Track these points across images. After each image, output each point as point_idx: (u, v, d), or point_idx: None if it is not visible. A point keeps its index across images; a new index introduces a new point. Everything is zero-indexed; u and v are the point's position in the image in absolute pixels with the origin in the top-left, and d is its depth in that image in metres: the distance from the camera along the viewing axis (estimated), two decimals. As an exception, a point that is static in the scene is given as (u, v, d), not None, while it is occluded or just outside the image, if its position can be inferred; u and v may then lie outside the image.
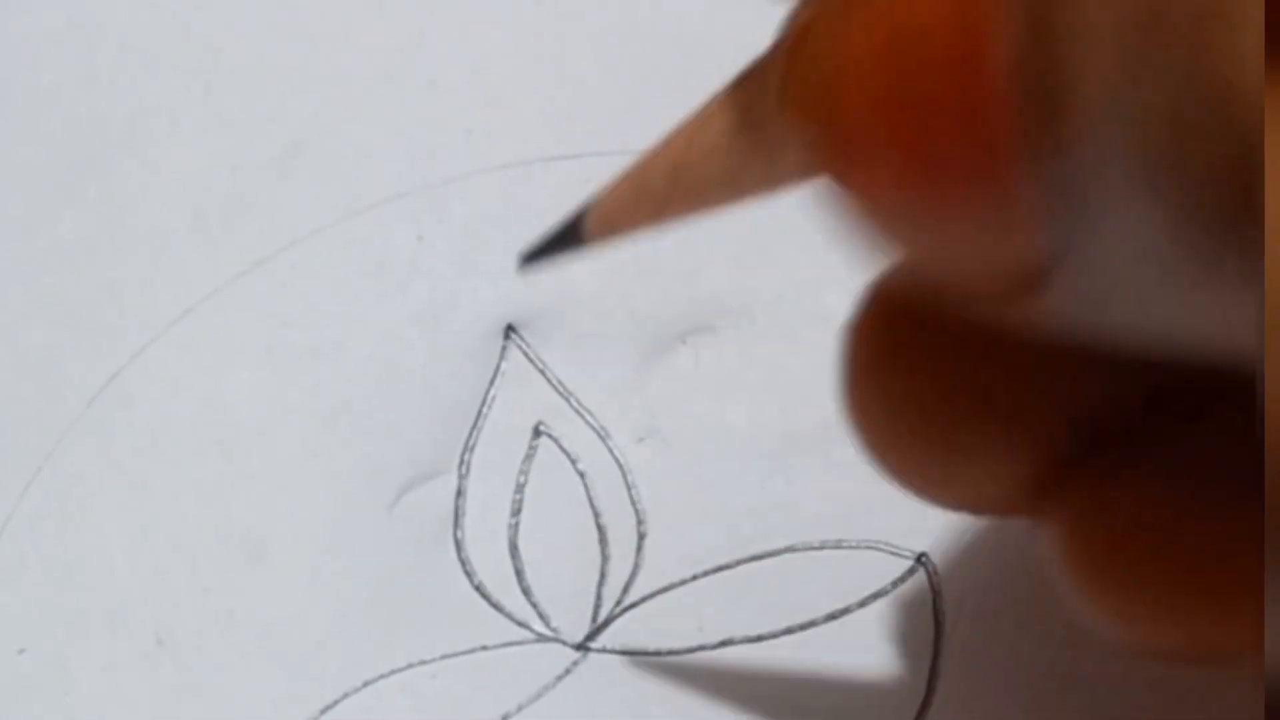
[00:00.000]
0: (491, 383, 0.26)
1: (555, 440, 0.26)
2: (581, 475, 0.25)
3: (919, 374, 0.16)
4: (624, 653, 0.23)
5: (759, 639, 0.24)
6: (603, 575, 0.24)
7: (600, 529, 0.25)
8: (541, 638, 0.24)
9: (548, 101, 0.29)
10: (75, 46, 0.30)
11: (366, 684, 0.24)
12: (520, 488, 0.25)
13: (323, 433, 0.26)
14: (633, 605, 0.24)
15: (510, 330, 0.26)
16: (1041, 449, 0.16)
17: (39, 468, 0.26)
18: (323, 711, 0.24)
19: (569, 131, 0.28)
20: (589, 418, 0.26)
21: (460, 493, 0.25)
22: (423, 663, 0.24)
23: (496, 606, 0.24)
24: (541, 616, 0.24)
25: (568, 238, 0.20)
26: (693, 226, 0.27)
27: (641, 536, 0.25)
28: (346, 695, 0.24)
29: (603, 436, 0.25)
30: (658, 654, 0.23)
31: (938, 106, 0.11)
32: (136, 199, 0.29)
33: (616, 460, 0.25)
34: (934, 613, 0.24)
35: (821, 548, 0.24)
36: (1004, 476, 0.16)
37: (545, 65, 0.29)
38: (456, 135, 0.29)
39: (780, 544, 0.24)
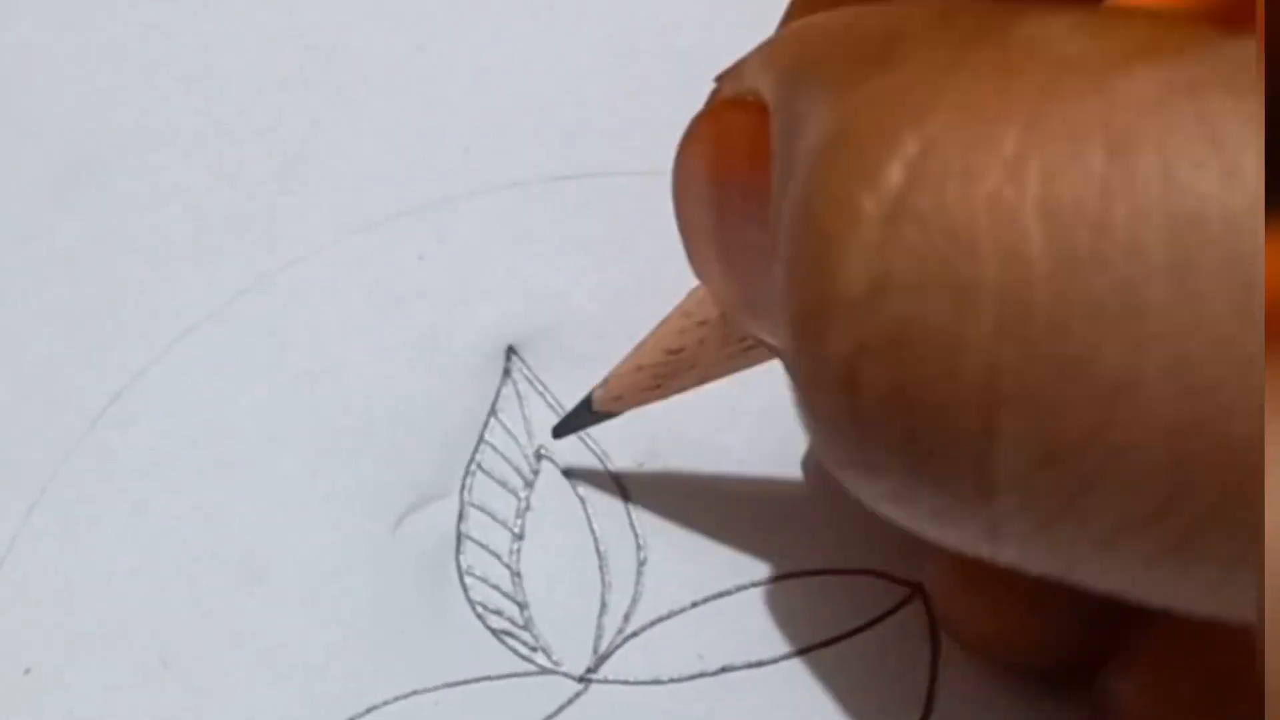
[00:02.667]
0: (493, 405, 0.25)
1: (556, 464, 0.25)
2: (582, 500, 0.25)
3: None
4: (625, 683, 0.23)
5: (759, 665, 0.23)
6: (604, 604, 0.24)
7: (600, 555, 0.24)
8: (544, 670, 0.23)
9: (548, 121, 0.28)
10: (73, 61, 0.29)
11: (370, 709, 0.23)
12: (521, 512, 0.25)
13: (324, 454, 0.25)
14: (634, 634, 0.23)
15: (511, 352, 0.26)
16: None
17: (44, 488, 0.25)
18: (326, 735, 0.23)
19: (570, 151, 0.28)
20: (589, 441, 0.25)
21: (462, 516, 0.25)
22: (425, 690, 0.23)
23: (499, 637, 0.23)
24: (544, 649, 0.23)
25: (583, 412, 0.24)
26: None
27: (641, 562, 0.24)
28: (351, 719, 0.23)
29: (603, 460, 0.25)
30: (658, 682, 0.23)
31: (740, 177, 0.16)
32: (135, 215, 0.28)
33: (617, 484, 0.25)
34: (931, 639, 0.23)
35: (820, 574, 0.24)
36: None
37: (546, 84, 0.28)
38: (456, 154, 0.28)
39: (779, 570, 0.24)
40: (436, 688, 0.23)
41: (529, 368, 0.26)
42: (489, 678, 0.23)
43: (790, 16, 0.19)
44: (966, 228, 0.12)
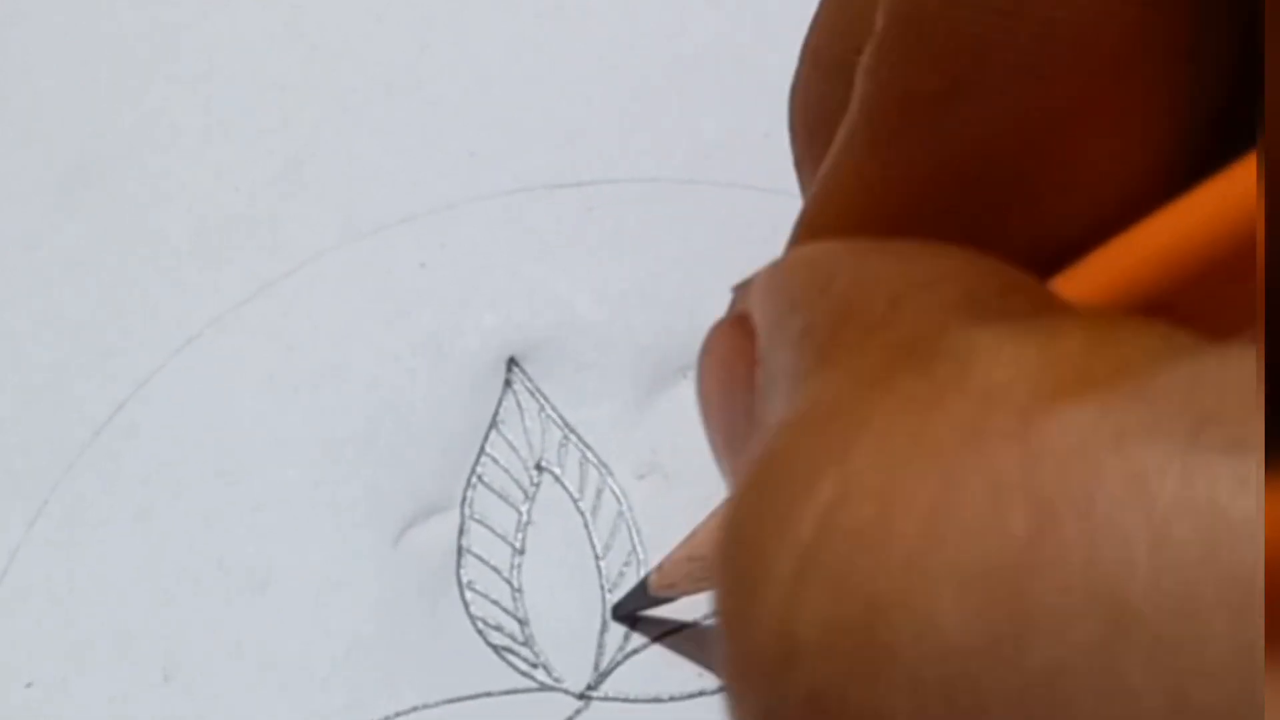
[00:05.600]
0: (494, 416, 0.25)
1: (557, 477, 0.24)
2: (582, 513, 0.24)
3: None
4: (626, 700, 0.22)
5: (759, 681, 0.22)
6: (605, 620, 0.23)
7: (601, 570, 0.23)
8: (545, 687, 0.22)
9: (552, 128, 0.27)
10: (76, 66, 0.29)
11: (371, 724, 0.22)
12: (522, 525, 0.24)
13: (326, 463, 0.25)
14: (634, 651, 0.23)
15: (513, 363, 0.25)
16: None
17: (46, 499, 0.25)
18: (328, 749, 0.22)
19: (573, 158, 0.27)
20: (590, 454, 0.24)
21: (463, 530, 0.24)
22: (426, 706, 0.22)
23: (500, 653, 0.23)
24: (544, 665, 0.23)
25: (639, 594, 0.23)
26: (693, 258, 0.26)
27: (643, 578, 0.23)
28: (351, 732, 0.23)
29: (604, 473, 0.24)
30: (658, 700, 0.22)
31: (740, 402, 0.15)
32: (138, 221, 0.27)
33: (617, 498, 0.24)
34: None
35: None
36: None
37: (549, 91, 0.28)
38: (459, 160, 0.27)
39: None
40: (438, 703, 0.22)
41: (530, 379, 0.25)
42: (489, 694, 0.22)
43: (799, 230, 0.17)
44: (878, 593, 0.10)
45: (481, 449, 0.24)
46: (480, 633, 0.23)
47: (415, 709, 0.22)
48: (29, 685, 0.23)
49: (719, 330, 0.15)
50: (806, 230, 0.16)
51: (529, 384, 0.25)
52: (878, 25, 0.13)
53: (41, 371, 0.26)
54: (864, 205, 0.15)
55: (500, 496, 0.24)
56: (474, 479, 0.24)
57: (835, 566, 0.11)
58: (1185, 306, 0.12)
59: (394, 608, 0.23)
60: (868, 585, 0.11)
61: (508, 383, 0.25)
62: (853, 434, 0.11)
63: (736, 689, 0.12)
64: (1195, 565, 0.09)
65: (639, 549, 0.23)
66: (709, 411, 0.16)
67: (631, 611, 0.23)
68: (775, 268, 0.14)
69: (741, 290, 0.16)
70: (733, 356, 0.15)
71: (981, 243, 0.13)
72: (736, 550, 0.12)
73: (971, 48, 0.13)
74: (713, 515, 0.21)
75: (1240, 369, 0.10)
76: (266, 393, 0.25)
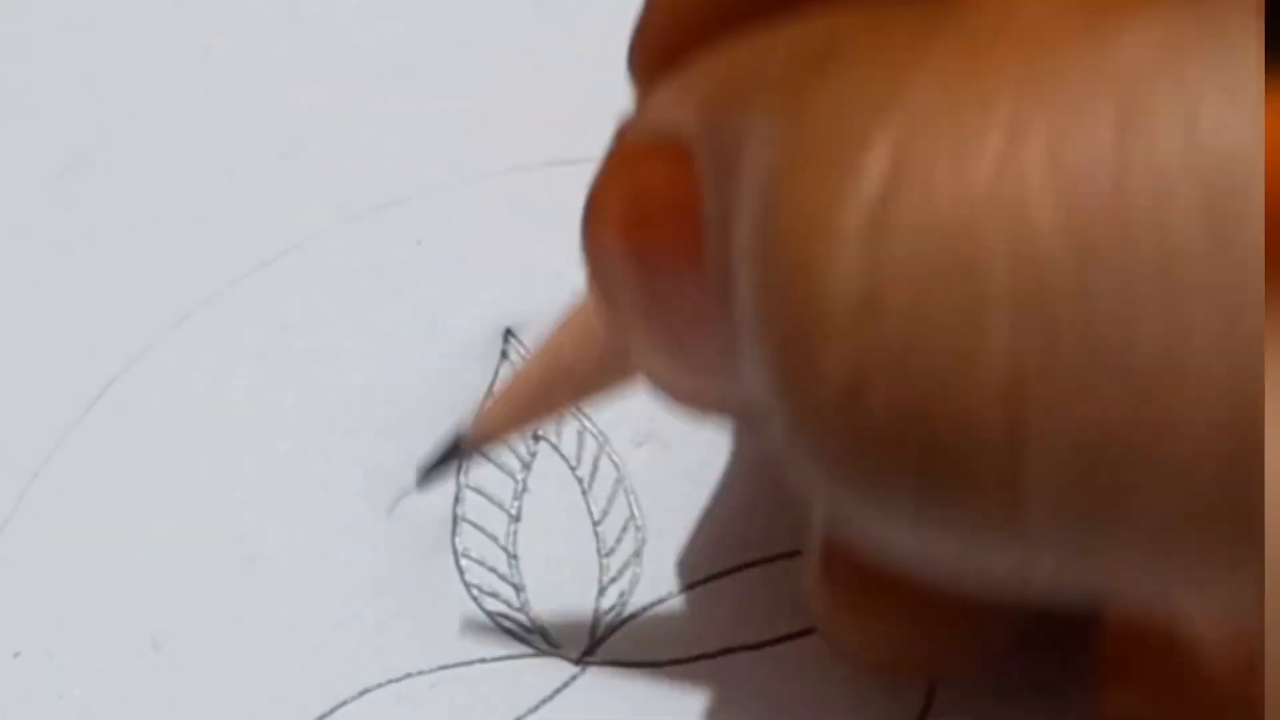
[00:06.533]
0: (490, 387, 0.24)
1: (554, 445, 0.24)
2: (580, 481, 0.24)
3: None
4: (623, 665, 0.22)
5: (758, 647, 0.22)
6: (601, 586, 0.23)
7: (598, 536, 0.23)
8: (541, 652, 0.22)
9: (549, 104, 0.27)
10: (72, 48, 0.29)
11: (364, 692, 0.22)
12: (518, 494, 0.24)
13: (320, 437, 0.24)
14: (632, 616, 0.22)
15: (509, 334, 0.25)
16: None
17: (36, 472, 0.24)
18: (319, 719, 0.22)
19: (570, 135, 0.27)
20: (587, 422, 0.24)
21: (459, 499, 0.24)
22: (420, 673, 0.22)
23: (495, 619, 0.22)
24: (540, 631, 0.22)
25: (453, 451, 0.22)
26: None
27: (640, 543, 0.23)
28: (343, 703, 0.22)
29: (601, 442, 0.24)
30: (656, 665, 0.22)
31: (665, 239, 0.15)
32: (134, 202, 0.27)
33: (615, 465, 0.24)
34: (934, 621, 0.22)
35: (821, 555, 0.23)
36: None
37: (546, 68, 0.28)
38: (456, 138, 0.27)
39: (780, 550, 0.23)
40: (432, 670, 0.22)
41: (526, 350, 0.25)
42: (484, 660, 0.22)
43: (638, 50, 0.17)
44: (966, 219, 0.10)
45: (478, 419, 0.24)
46: (475, 599, 0.22)
47: (409, 675, 0.22)
48: (16, 655, 0.23)
49: (612, 175, 0.15)
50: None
51: (525, 353, 0.25)
52: None
53: (33, 346, 0.25)
54: None
55: (497, 466, 0.24)
56: (470, 448, 0.24)
57: (914, 205, 0.11)
58: None
59: (388, 576, 0.23)
60: (953, 214, 0.10)
61: (504, 354, 0.25)
62: (896, 92, 0.11)
63: (808, 359, 0.12)
64: None
65: (637, 515, 0.23)
66: (608, 271, 0.15)
67: (436, 469, 0.22)
68: (692, 71, 0.14)
69: (631, 122, 0.15)
70: (644, 190, 0.14)
71: None
72: (788, 224, 0.11)
73: None
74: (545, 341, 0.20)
75: None
76: (261, 367, 0.25)
